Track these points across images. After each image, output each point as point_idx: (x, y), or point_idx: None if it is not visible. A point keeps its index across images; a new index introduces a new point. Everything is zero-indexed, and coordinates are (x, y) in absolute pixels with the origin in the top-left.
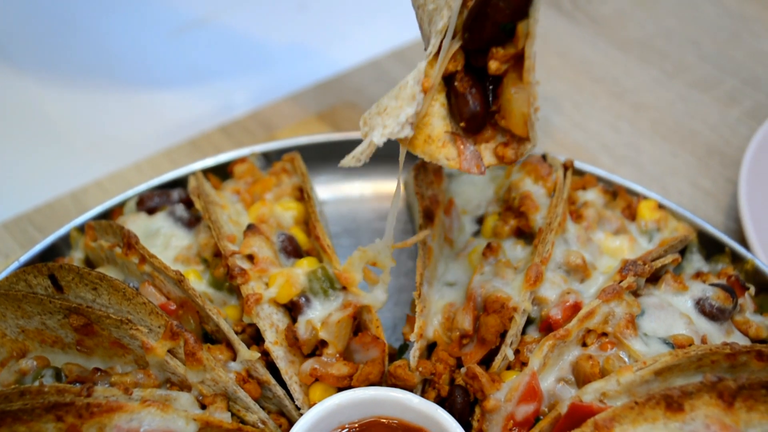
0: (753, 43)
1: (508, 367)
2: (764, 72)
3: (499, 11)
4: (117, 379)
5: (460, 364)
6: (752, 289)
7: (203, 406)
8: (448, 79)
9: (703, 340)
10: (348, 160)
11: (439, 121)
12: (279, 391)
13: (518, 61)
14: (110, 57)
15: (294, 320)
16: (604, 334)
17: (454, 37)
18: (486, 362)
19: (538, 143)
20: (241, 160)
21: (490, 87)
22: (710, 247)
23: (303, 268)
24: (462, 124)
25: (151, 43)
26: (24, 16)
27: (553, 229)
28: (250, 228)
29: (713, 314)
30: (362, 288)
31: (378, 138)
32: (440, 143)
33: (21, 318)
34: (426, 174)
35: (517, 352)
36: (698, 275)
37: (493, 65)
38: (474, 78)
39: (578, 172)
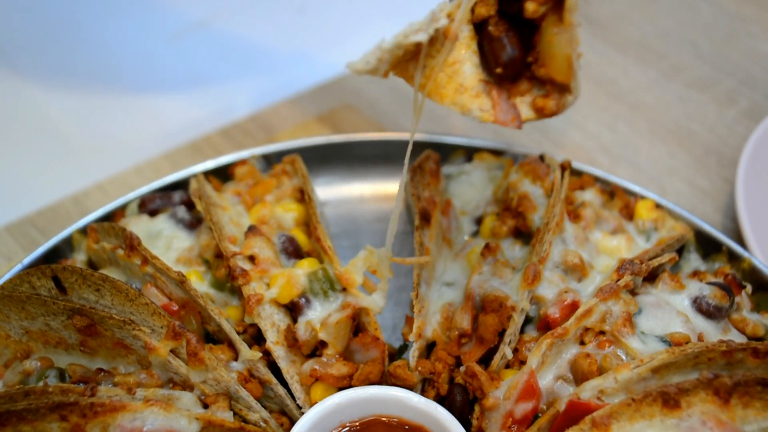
0: (750, 44)
1: (507, 366)
2: (761, 72)
3: None
4: (120, 379)
5: (459, 363)
6: (749, 288)
7: (205, 406)
8: (479, 27)
9: (700, 338)
10: (357, 62)
11: (471, 69)
12: (280, 390)
13: (557, 3)
14: (111, 61)
15: (295, 321)
16: (602, 333)
17: None
18: (485, 361)
19: (579, 95)
20: (242, 162)
21: (525, 36)
22: (707, 246)
23: (304, 268)
24: (498, 71)
25: (151, 47)
26: (26, 22)
27: (551, 229)
28: (251, 229)
29: (710, 312)
30: (362, 289)
31: (387, 41)
32: (474, 92)
33: (25, 319)
34: (423, 175)
35: (515, 350)
36: (695, 274)
37: (531, 6)
38: (509, 23)
39: (576, 173)
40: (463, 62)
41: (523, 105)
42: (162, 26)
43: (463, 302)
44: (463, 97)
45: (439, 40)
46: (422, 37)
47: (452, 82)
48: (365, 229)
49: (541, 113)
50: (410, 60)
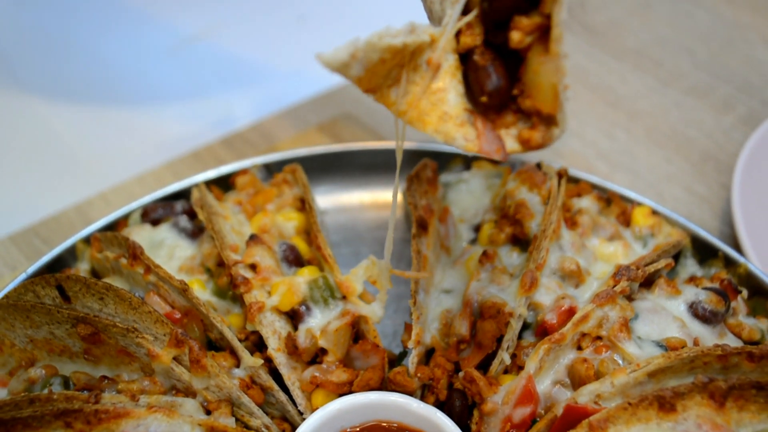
0: (746, 51)
1: (505, 371)
2: (758, 79)
3: None
4: (124, 386)
5: (458, 369)
6: (745, 293)
7: (208, 412)
8: (464, 58)
9: (696, 343)
10: (328, 53)
11: (455, 98)
12: (282, 396)
13: (543, 34)
14: (112, 74)
15: (295, 328)
16: (599, 338)
17: (472, 9)
18: (483, 367)
19: (566, 128)
20: (243, 171)
21: (510, 69)
22: (704, 252)
23: (304, 276)
24: (483, 99)
25: (151, 59)
26: (29, 37)
27: (548, 236)
28: (253, 238)
29: (706, 317)
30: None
31: (362, 39)
32: (458, 121)
33: (29, 328)
34: (420, 184)
35: (513, 356)
36: (692, 279)
37: (516, 36)
38: (495, 53)
39: (573, 180)
40: (448, 91)
41: (509, 137)
42: (162, 39)
43: (461, 309)
44: (447, 126)
45: (422, 67)
46: (397, 41)
47: (436, 110)
48: (365, 237)
49: (526, 145)
50: (392, 86)
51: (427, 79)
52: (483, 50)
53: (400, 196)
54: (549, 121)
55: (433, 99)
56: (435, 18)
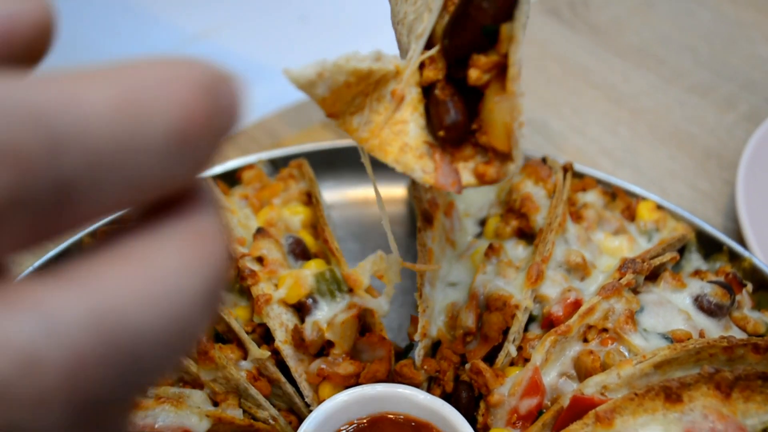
0: (749, 48)
1: (512, 363)
2: (760, 76)
3: (482, 12)
4: None
5: (464, 361)
6: (750, 286)
7: (215, 403)
8: (427, 91)
9: (701, 335)
10: (295, 69)
11: (416, 130)
12: (289, 388)
13: (502, 71)
14: None
15: (302, 321)
16: (605, 330)
17: (435, 44)
18: (489, 359)
19: (521, 163)
20: (249, 166)
21: (471, 104)
22: (709, 247)
23: (311, 269)
24: (441, 134)
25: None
26: None
27: (554, 229)
28: (260, 231)
29: (711, 310)
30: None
31: (330, 59)
32: (418, 153)
33: None
34: None
35: (519, 348)
36: (697, 273)
37: (474, 74)
38: (456, 88)
39: (578, 175)
40: (410, 123)
41: (466, 170)
42: (165, 39)
43: (467, 302)
44: (407, 157)
45: (386, 97)
46: (363, 65)
47: (398, 141)
48: (371, 232)
49: (481, 179)
50: (355, 113)
51: (391, 109)
52: (444, 85)
53: (404, 192)
54: (504, 156)
55: (395, 129)
56: (403, 50)
